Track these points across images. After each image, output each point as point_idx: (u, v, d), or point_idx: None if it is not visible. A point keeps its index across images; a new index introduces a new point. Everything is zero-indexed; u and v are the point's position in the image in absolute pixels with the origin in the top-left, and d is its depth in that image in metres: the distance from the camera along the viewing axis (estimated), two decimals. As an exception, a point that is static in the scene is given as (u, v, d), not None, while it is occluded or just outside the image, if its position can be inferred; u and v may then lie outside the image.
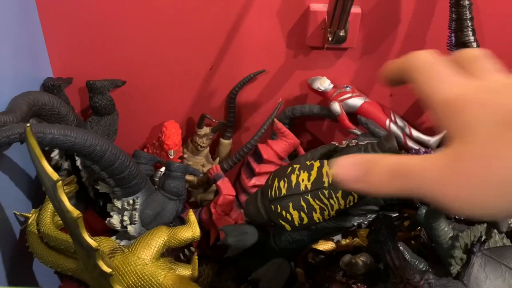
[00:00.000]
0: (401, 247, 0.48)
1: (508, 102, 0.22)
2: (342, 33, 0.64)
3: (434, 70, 0.26)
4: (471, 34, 0.60)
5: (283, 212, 0.49)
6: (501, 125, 0.21)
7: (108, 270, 0.44)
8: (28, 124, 0.42)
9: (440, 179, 0.22)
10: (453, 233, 0.47)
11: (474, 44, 0.59)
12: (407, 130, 0.69)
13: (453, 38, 0.60)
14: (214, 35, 0.68)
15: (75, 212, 0.41)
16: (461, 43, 0.60)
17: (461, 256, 0.45)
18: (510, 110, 0.22)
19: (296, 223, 0.49)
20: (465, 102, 0.23)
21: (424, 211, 0.50)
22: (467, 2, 0.59)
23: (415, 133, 0.68)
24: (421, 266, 0.48)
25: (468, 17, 0.59)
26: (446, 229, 0.48)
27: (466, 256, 0.45)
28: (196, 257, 0.58)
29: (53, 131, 0.49)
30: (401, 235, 0.62)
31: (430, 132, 0.69)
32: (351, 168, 0.24)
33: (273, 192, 0.50)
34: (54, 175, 0.41)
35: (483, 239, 0.48)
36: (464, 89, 0.24)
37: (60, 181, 0.41)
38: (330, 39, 0.65)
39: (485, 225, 0.50)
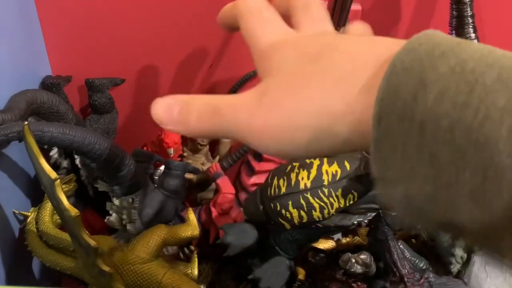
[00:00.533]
0: (401, 246, 0.48)
1: (315, 43, 0.22)
2: (342, 31, 0.63)
3: (257, 18, 0.26)
4: (472, 32, 0.59)
5: (283, 211, 0.49)
6: (305, 59, 0.22)
7: (107, 268, 0.44)
8: (26, 122, 0.42)
9: (248, 114, 0.22)
10: (453, 231, 0.47)
11: (475, 42, 0.59)
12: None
13: (453, 35, 0.60)
14: (214, 32, 0.68)
15: (74, 211, 0.41)
16: (461, 41, 0.59)
17: (461, 255, 0.45)
18: (315, 47, 0.22)
19: (296, 221, 0.49)
20: (277, 49, 0.23)
21: None
22: (467, -1, 0.59)
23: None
24: (421, 265, 0.48)
25: (469, 14, 0.59)
26: (446, 227, 0.47)
27: (466, 255, 0.45)
28: (196, 255, 0.58)
29: (52, 130, 0.49)
30: (401, 233, 0.62)
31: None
32: (166, 110, 0.24)
33: (272, 191, 0.50)
34: (52, 174, 0.41)
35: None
36: (282, 38, 0.24)
37: (58, 180, 0.41)
38: (330, 36, 0.65)
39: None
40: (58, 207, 0.42)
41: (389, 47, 0.21)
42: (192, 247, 0.66)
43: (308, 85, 0.21)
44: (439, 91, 0.18)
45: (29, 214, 0.56)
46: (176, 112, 0.24)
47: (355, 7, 0.65)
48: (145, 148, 0.75)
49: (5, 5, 0.55)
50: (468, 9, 0.59)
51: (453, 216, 0.18)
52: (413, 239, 0.61)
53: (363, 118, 0.20)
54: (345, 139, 0.21)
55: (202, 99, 0.24)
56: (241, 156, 0.70)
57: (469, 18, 0.59)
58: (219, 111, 0.23)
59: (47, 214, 0.55)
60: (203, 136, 0.24)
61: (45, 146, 0.51)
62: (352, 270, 0.46)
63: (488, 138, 0.16)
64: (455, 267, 0.45)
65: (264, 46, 0.24)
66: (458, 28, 0.59)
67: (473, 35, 0.59)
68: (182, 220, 0.65)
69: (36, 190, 0.61)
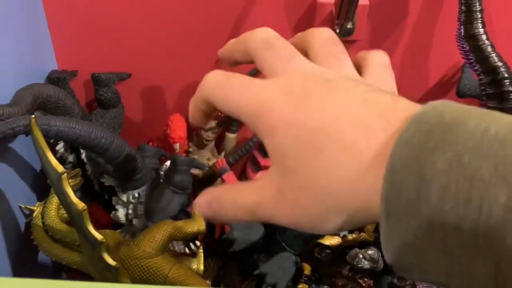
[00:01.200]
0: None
1: (310, 120, 0.23)
2: (349, 26, 0.63)
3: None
4: (480, 27, 0.59)
5: None
6: (305, 150, 0.23)
7: (113, 263, 0.44)
8: (33, 116, 0.42)
9: (274, 210, 0.24)
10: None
11: (484, 37, 0.59)
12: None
13: (462, 30, 0.59)
14: (220, 28, 0.68)
15: (80, 205, 0.41)
16: (470, 36, 0.59)
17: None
18: (313, 130, 0.23)
19: None
20: (278, 126, 0.24)
21: None
22: (477, -6, 0.58)
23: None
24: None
25: (478, 9, 0.58)
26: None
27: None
28: (202, 251, 0.58)
29: (58, 124, 0.49)
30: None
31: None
32: (208, 205, 0.27)
33: None
34: (59, 167, 0.41)
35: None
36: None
37: (65, 173, 0.41)
38: (337, 31, 0.64)
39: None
40: (64, 201, 0.42)
41: (384, 128, 0.21)
42: (198, 242, 0.66)
43: (317, 183, 0.23)
44: (440, 188, 0.18)
45: (35, 208, 0.56)
46: (216, 207, 0.27)
47: (363, 1, 0.64)
48: (150, 143, 0.75)
49: (12, -1, 0.55)
50: (477, 3, 0.58)
51: None
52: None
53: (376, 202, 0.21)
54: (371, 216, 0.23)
55: (229, 198, 0.26)
56: (247, 151, 0.70)
57: (478, 13, 0.58)
58: (249, 211, 0.25)
59: (53, 209, 0.55)
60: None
61: (51, 140, 0.50)
62: (360, 265, 0.46)
63: (496, 233, 0.17)
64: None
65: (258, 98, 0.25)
66: (467, 23, 0.59)
67: (481, 30, 0.58)
68: (188, 215, 0.65)
69: (42, 185, 0.61)
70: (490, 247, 0.17)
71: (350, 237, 0.64)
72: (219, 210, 0.26)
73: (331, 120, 0.22)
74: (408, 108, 0.22)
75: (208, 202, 0.27)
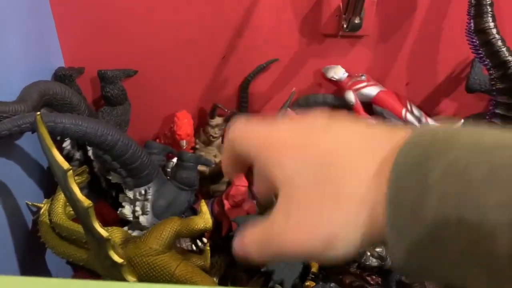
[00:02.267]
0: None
1: (316, 147, 0.25)
2: (357, 20, 0.62)
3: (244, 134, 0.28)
4: (490, 20, 0.58)
5: None
6: (312, 179, 0.24)
7: (119, 260, 0.44)
8: (39, 113, 0.41)
9: (284, 236, 0.25)
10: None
11: (494, 31, 0.57)
12: (423, 119, 0.67)
13: (472, 24, 0.58)
14: (227, 24, 0.67)
15: (86, 202, 0.41)
16: (480, 30, 0.58)
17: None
18: (319, 155, 0.24)
19: None
20: (283, 156, 0.25)
21: None
22: (487, -13, 0.57)
23: (431, 122, 0.67)
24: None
25: (488, 2, 0.57)
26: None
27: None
28: (208, 248, 0.57)
29: (64, 121, 0.49)
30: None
31: (447, 121, 0.68)
32: (238, 251, 0.28)
33: None
34: (65, 164, 0.41)
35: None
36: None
37: (71, 171, 0.41)
38: (345, 26, 0.63)
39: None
40: (70, 198, 0.42)
41: (384, 147, 0.23)
42: (205, 240, 0.66)
43: (324, 200, 0.24)
44: (440, 193, 0.20)
45: (42, 205, 0.56)
46: (244, 253, 0.28)
47: (371, -4, 0.63)
48: (157, 140, 0.74)
49: (18, -4, 0.55)
50: (487, -4, 0.57)
51: None
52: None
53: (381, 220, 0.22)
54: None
55: (253, 238, 0.27)
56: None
57: (488, 7, 0.57)
58: (266, 244, 0.26)
59: (60, 206, 0.55)
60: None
61: (58, 138, 0.50)
62: (368, 263, 0.45)
63: (488, 238, 0.18)
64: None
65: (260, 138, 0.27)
66: (477, 17, 0.58)
67: (492, 24, 0.57)
68: (195, 212, 0.64)
69: (49, 182, 0.61)
70: (482, 253, 0.19)
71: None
72: (249, 250, 0.28)
73: (336, 144, 0.25)
74: (405, 131, 0.24)
75: (242, 244, 0.28)
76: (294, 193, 0.25)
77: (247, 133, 0.28)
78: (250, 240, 0.28)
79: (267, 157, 0.26)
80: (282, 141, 0.26)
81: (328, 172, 0.24)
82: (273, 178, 0.26)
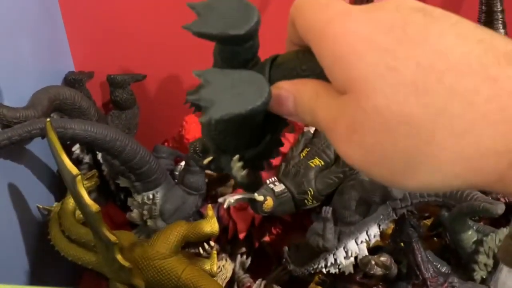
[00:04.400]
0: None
1: (413, 55, 0.18)
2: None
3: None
4: (501, 27, 0.57)
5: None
6: (408, 84, 0.18)
7: (126, 264, 0.45)
8: (48, 119, 0.42)
9: (342, 143, 0.20)
10: (477, 237, 0.46)
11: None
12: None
13: (481, 31, 0.58)
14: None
15: (94, 206, 0.42)
16: (490, 36, 0.57)
17: (485, 262, 0.44)
18: (416, 67, 0.18)
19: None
20: (353, 52, 0.19)
21: (447, 214, 0.49)
22: (497, -6, 0.57)
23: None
24: (443, 269, 0.47)
25: (499, 9, 0.57)
26: (470, 232, 0.46)
27: (491, 262, 0.44)
28: (215, 252, 0.58)
29: (74, 126, 0.49)
30: (425, 232, 0.61)
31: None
32: (283, 100, 0.24)
33: None
34: (74, 170, 0.41)
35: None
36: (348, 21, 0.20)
37: (80, 176, 0.41)
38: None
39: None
40: (79, 202, 0.43)
41: (509, 75, 0.18)
42: (212, 243, 0.66)
43: (415, 131, 0.18)
44: None
45: (53, 208, 0.57)
46: (292, 105, 0.24)
47: None
48: (165, 144, 0.75)
49: (29, 2, 0.56)
50: (498, 4, 0.57)
51: None
52: (435, 238, 0.60)
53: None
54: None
55: (306, 89, 0.23)
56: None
57: (498, 14, 0.57)
58: (318, 121, 0.22)
59: (70, 209, 0.56)
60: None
61: (68, 142, 0.51)
62: (372, 272, 0.45)
63: None
64: (478, 274, 0.43)
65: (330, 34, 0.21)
66: (487, 23, 0.57)
67: (502, 31, 0.57)
68: (202, 216, 0.65)
69: (59, 185, 0.62)
70: None
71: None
72: (294, 109, 0.24)
73: (440, 59, 0.18)
74: None
75: (285, 98, 0.24)
76: (369, 103, 0.19)
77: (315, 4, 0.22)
78: (301, 103, 0.23)
79: (332, 40, 0.20)
80: (357, 31, 0.20)
81: (428, 92, 0.18)
82: (333, 66, 0.20)
